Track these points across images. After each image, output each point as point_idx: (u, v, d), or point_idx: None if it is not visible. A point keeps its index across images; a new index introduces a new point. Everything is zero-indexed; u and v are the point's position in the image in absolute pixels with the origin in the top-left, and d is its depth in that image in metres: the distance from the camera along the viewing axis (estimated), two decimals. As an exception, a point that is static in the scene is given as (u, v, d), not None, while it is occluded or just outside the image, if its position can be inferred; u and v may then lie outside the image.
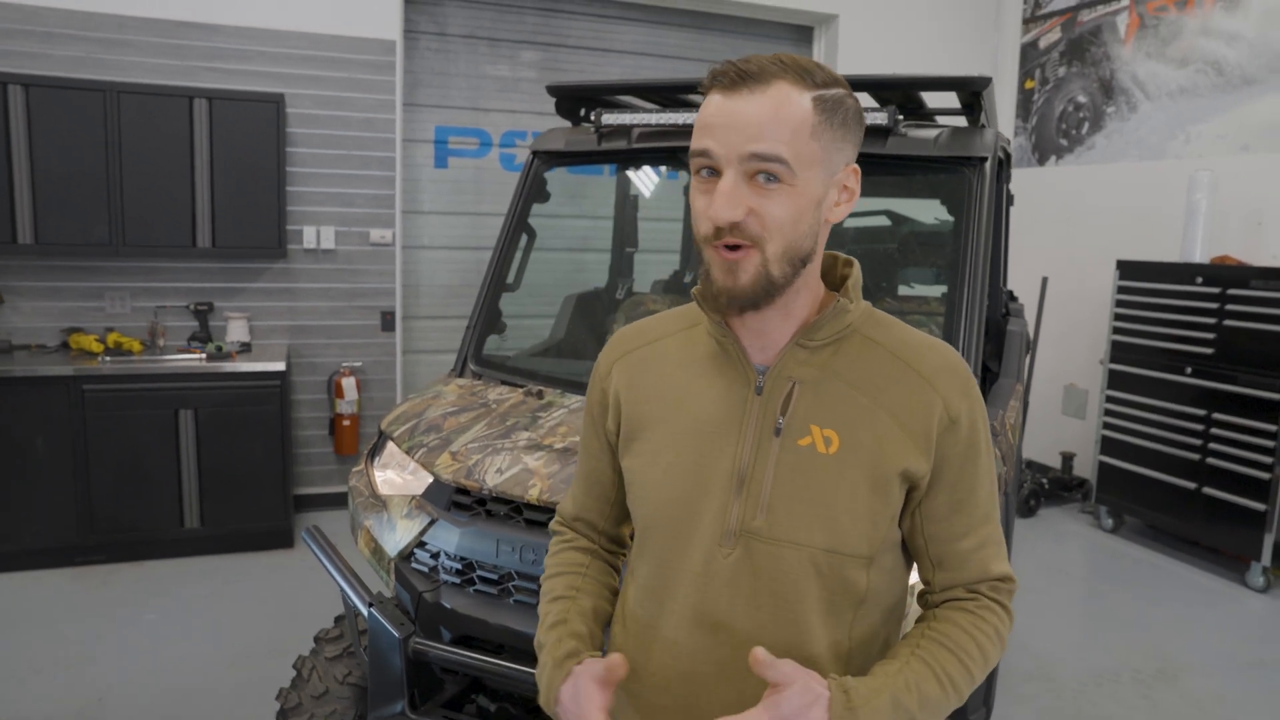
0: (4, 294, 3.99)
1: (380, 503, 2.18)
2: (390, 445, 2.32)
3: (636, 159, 2.95)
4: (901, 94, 2.54)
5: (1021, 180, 5.43)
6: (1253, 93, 4.38)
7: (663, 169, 3.39)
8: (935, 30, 5.58)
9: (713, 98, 0.94)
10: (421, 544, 2.03)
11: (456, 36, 4.81)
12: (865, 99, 2.60)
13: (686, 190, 3.79)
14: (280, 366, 3.97)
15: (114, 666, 3.00)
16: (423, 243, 4.88)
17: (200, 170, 3.98)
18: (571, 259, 4.72)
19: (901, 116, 2.40)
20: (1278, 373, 3.83)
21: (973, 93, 2.35)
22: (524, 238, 2.86)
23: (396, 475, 2.24)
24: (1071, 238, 5.35)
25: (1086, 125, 5.27)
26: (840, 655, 1.00)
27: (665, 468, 1.03)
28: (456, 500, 2.03)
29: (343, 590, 1.96)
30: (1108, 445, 4.64)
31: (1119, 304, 4.57)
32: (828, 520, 0.97)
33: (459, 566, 1.96)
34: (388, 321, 4.64)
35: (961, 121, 2.55)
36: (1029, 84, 5.66)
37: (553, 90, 2.75)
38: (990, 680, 2.30)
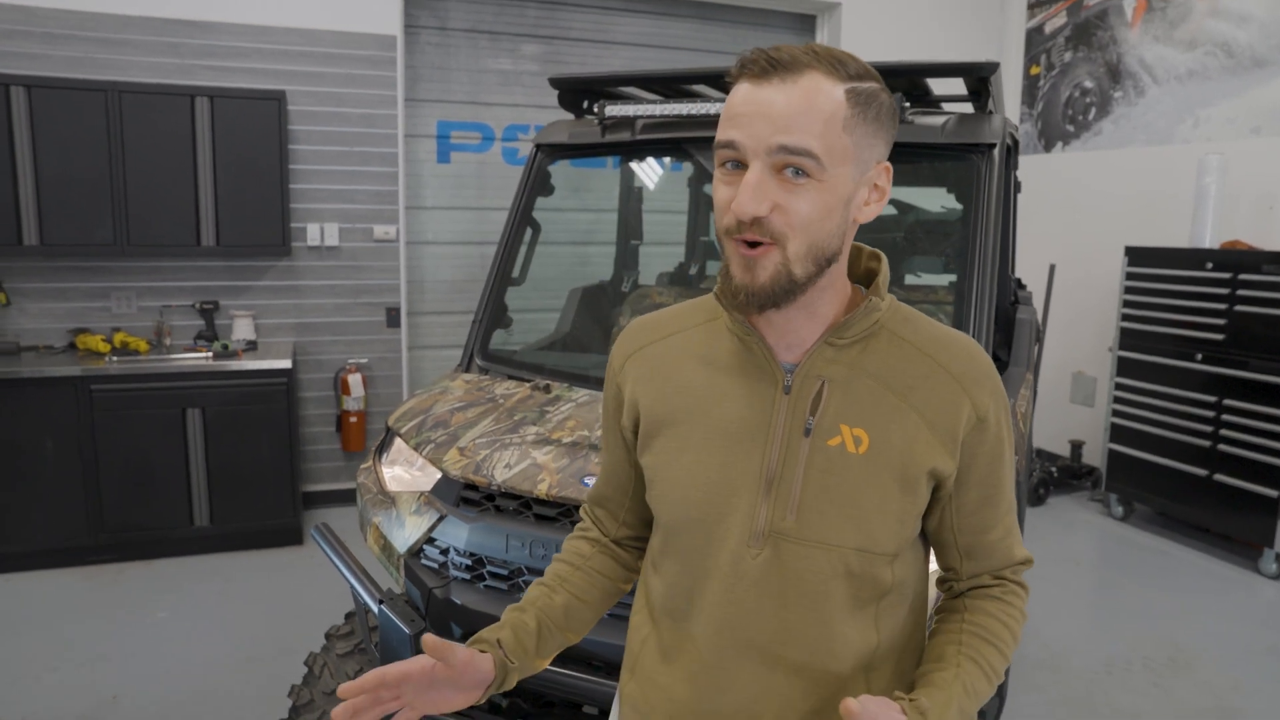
0: (11, 296, 4.00)
1: (389, 499, 2.18)
2: (398, 441, 2.32)
3: (640, 150, 2.93)
4: (908, 81, 2.51)
5: (1028, 167, 5.39)
6: (1264, 75, 4.33)
7: (667, 160, 3.37)
8: (939, 17, 5.54)
9: (740, 87, 0.90)
10: (431, 540, 2.03)
11: (457, 31, 4.79)
12: (871, 87, 2.57)
13: (691, 182, 3.80)
14: (286, 364, 3.97)
15: (127, 665, 3.01)
16: (426, 238, 4.87)
17: (203, 169, 3.97)
18: (576, 252, 4.71)
19: (908, 104, 2.38)
20: (1289, 358, 3.80)
21: (980, 79, 2.33)
22: (528, 232, 2.84)
23: (404, 471, 2.23)
24: (1079, 225, 5.32)
25: (1094, 111, 5.23)
26: (867, 649, 1.00)
27: (688, 467, 1.01)
28: (465, 496, 2.03)
29: (353, 587, 1.96)
30: (1117, 433, 4.62)
31: (1128, 290, 4.54)
32: (858, 520, 0.96)
33: (469, 562, 1.96)
34: (393, 318, 4.64)
35: (968, 108, 2.53)
36: (1035, 70, 5.62)
37: (555, 82, 2.73)
38: (1003, 670, 2.29)
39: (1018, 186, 3.29)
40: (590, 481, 1.89)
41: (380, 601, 1.89)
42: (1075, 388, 5.37)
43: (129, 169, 3.86)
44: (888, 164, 0.96)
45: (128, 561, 3.87)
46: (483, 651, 1.02)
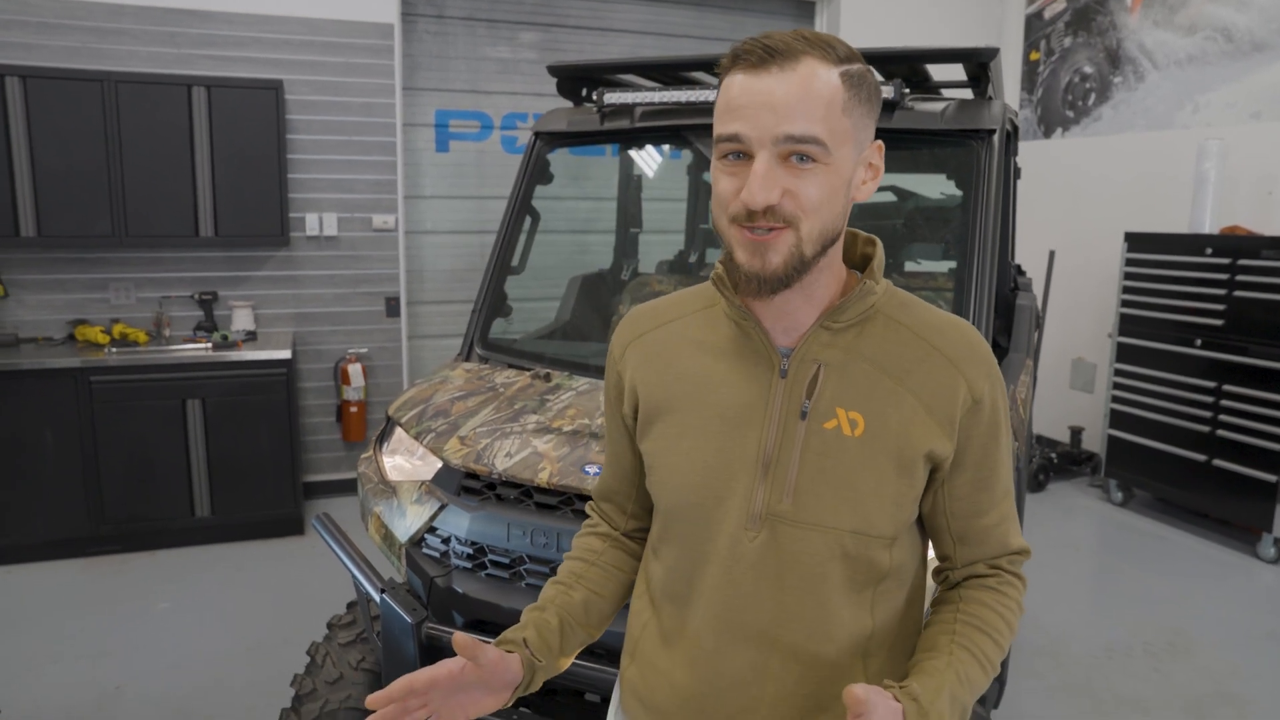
0: (9, 288, 3.99)
1: (390, 489, 2.18)
2: (398, 431, 2.32)
3: (640, 138, 2.92)
4: (907, 67, 2.50)
5: (1027, 153, 5.37)
6: (1263, 59, 4.32)
7: (666, 148, 3.36)
8: (938, 3, 5.52)
9: (735, 78, 0.90)
10: (432, 529, 2.03)
11: (455, 19, 4.77)
12: (870, 73, 2.56)
13: (690, 169, 3.78)
14: (286, 354, 3.96)
15: (130, 656, 3.02)
16: (426, 227, 4.86)
17: (201, 159, 3.96)
18: (576, 241, 4.70)
19: (908, 90, 2.37)
20: (1289, 343, 3.80)
21: (980, 64, 2.31)
22: (528, 220, 2.84)
23: (405, 461, 2.23)
24: (1078, 210, 5.31)
25: (1093, 96, 5.21)
26: (862, 634, 1.01)
27: (687, 452, 1.02)
28: (466, 485, 2.03)
29: (354, 577, 1.96)
30: (1117, 419, 4.63)
31: (1127, 276, 4.53)
32: (854, 503, 0.96)
33: (470, 551, 1.96)
34: (392, 307, 4.63)
35: (968, 94, 2.52)
36: (1034, 56, 5.59)
37: (554, 70, 2.72)
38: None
39: (1018, 172, 3.28)
40: (591, 470, 1.90)
41: (382, 591, 1.90)
42: (1075, 374, 5.38)
43: (126, 160, 3.84)
44: (880, 143, 0.98)
45: (129, 553, 3.87)
46: (509, 652, 1.01)
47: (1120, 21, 5.03)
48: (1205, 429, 4.17)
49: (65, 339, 4.05)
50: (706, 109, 2.46)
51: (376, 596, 1.89)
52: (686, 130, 2.55)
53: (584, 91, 2.83)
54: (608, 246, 3.80)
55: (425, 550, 2.04)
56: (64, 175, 3.78)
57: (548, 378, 2.37)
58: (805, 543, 0.97)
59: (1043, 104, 5.55)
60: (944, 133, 2.29)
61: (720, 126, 0.91)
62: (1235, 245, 4.03)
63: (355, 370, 4.47)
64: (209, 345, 3.97)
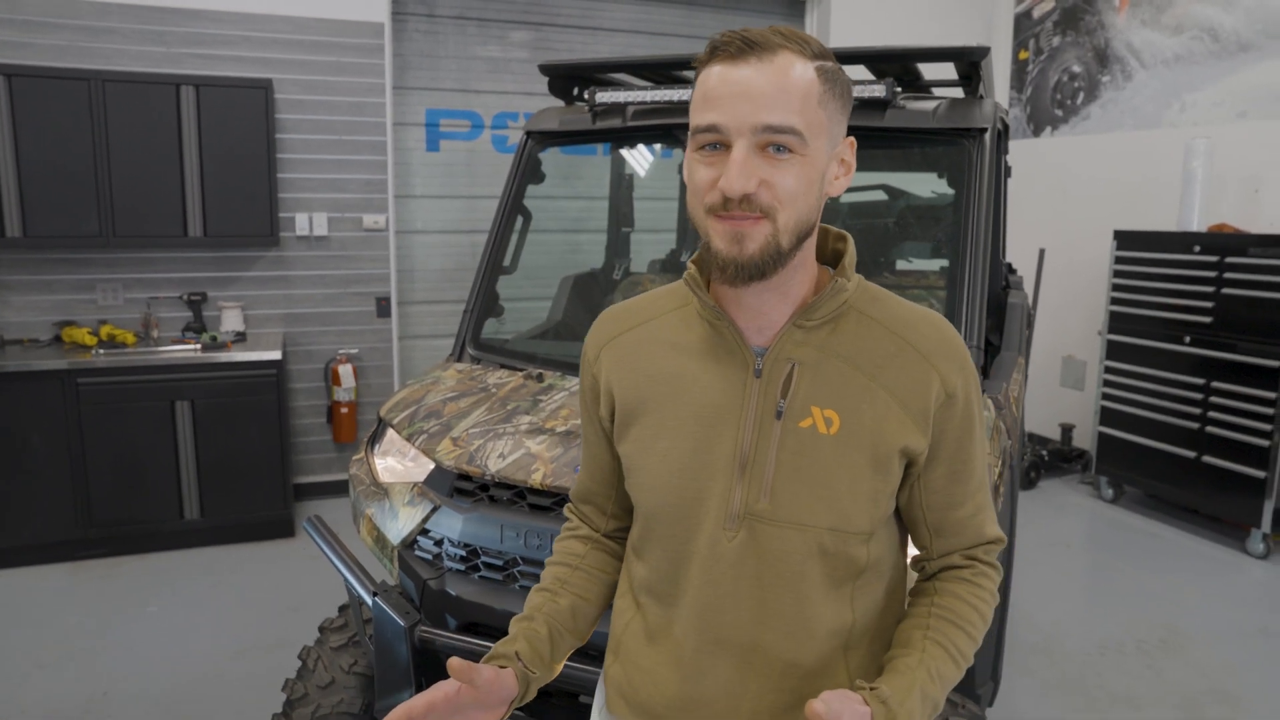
0: (-6, 288, 3.96)
1: (382, 490, 2.17)
2: (390, 432, 2.30)
3: (631, 137, 2.92)
4: (899, 66, 2.50)
5: (1017, 152, 5.39)
6: (1249, 59, 4.34)
7: (658, 147, 3.35)
8: (927, 1, 5.53)
9: (714, 69, 0.91)
10: (424, 531, 2.02)
11: (445, 18, 4.75)
12: (862, 71, 2.56)
13: (681, 168, 3.78)
14: (276, 355, 3.94)
15: (118, 660, 3.00)
16: (416, 227, 4.84)
17: (189, 158, 3.93)
18: (567, 240, 4.69)
19: (899, 89, 2.37)
20: (1276, 340, 3.82)
21: (970, 63, 2.32)
22: (519, 220, 2.83)
23: (397, 462, 2.22)
24: (1068, 209, 5.33)
25: (1081, 95, 5.23)
26: (843, 628, 1.01)
27: (663, 454, 1.02)
28: (459, 486, 2.02)
29: (346, 580, 1.95)
30: (1107, 416, 4.65)
31: (1117, 274, 4.55)
32: (831, 501, 0.97)
33: (463, 553, 1.95)
34: (383, 307, 4.61)
35: (959, 93, 2.52)
36: (1023, 55, 5.61)
37: (545, 69, 2.71)
38: (997, 653, 2.30)
39: (1008, 171, 3.29)
40: (584, 471, 1.89)
41: (374, 593, 1.88)
42: (1065, 371, 5.40)
43: (114, 159, 3.81)
44: (851, 139, 0.99)
45: (118, 556, 3.84)
46: (502, 667, 1.02)
47: (1108, 21, 5.05)
48: (1195, 426, 4.19)
49: (52, 340, 4.01)
50: (698, 108, 2.45)
51: (369, 599, 1.88)
52: (678, 129, 2.54)
53: (575, 90, 2.82)
54: (599, 246, 3.79)
55: (418, 552, 2.03)
56: (51, 175, 3.74)
57: (540, 378, 2.36)
58: (784, 541, 0.98)
59: (1032, 103, 5.57)
60: (935, 131, 2.29)
61: (697, 117, 0.92)
62: (1223, 243, 4.06)
63: (346, 371, 4.45)
64: (198, 346, 3.94)
